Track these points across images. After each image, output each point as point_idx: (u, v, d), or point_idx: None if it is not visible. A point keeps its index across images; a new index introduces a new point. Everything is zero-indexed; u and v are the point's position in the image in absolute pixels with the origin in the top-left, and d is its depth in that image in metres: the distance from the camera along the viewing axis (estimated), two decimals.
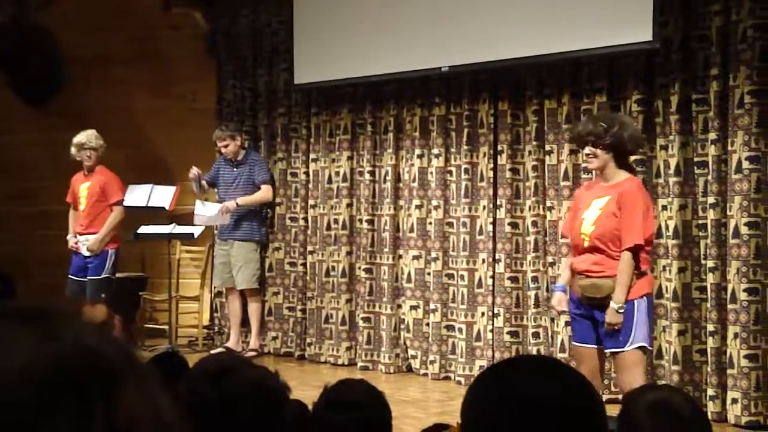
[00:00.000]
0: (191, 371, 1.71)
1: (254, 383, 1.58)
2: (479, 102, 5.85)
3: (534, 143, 5.59)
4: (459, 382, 5.80)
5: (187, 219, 7.21)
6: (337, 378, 2.21)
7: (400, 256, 6.28)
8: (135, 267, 7.43)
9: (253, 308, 6.85)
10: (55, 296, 6.54)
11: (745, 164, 4.64)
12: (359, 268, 6.45)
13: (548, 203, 5.53)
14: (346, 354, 6.47)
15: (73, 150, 6.48)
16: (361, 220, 6.46)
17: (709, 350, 4.79)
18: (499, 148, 5.75)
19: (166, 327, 7.02)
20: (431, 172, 6.10)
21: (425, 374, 6.07)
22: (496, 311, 5.71)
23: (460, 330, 5.90)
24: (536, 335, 5.58)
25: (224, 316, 7.16)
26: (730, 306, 4.69)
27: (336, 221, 6.56)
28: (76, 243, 6.50)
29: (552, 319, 5.50)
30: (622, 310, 3.70)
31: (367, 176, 6.42)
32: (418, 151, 6.17)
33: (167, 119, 7.50)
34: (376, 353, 6.33)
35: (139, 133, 7.55)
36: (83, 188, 6.52)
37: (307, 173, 6.79)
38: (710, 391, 4.78)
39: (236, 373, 1.59)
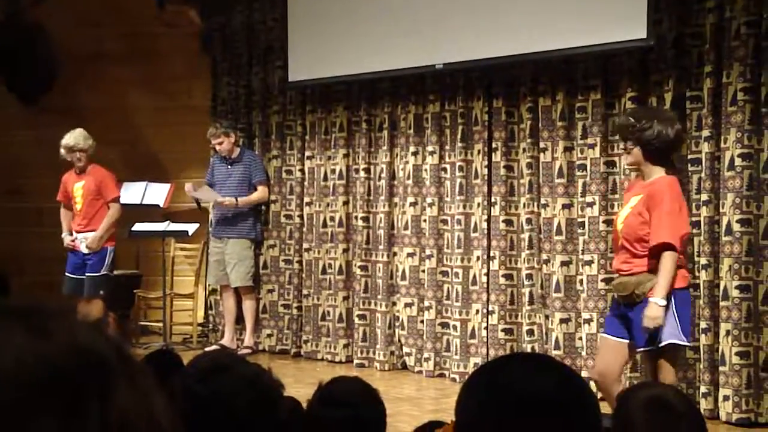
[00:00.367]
0: (185, 369, 1.71)
1: (248, 381, 1.58)
2: (473, 99, 5.86)
3: (528, 140, 5.59)
4: (453, 380, 5.81)
5: (182, 216, 7.20)
6: (332, 375, 2.21)
7: (395, 254, 6.29)
8: (129, 264, 7.42)
9: (248, 306, 6.85)
10: (49, 293, 6.53)
11: (738, 161, 4.65)
12: (355, 265, 6.45)
13: (542, 200, 5.53)
14: (344, 351, 6.48)
15: (62, 151, 6.46)
16: (356, 218, 6.46)
17: (701, 347, 4.80)
18: (494, 145, 5.75)
19: (160, 324, 7.01)
20: (426, 170, 6.10)
21: (420, 371, 6.08)
22: (490, 308, 5.72)
23: (455, 327, 5.91)
24: (530, 332, 5.59)
25: (219, 314, 7.16)
26: (722, 303, 4.70)
27: (332, 219, 6.56)
28: (73, 241, 6.47)
29: (546, 317, 5.51)
30: (662, 303, 3.60)
31: (362, 174, 6.42)
32: (412, 149, 6.17)
33: (161, 117, 7.49)
34: (372, 350, 6.33)
35: (134, 130, 7.53)
36: (77, 187, 6.49)
37: (302, 171, 6.79)
38: (703, 388, 4.79)
39: (230, 370, 1.59)
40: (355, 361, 6.39)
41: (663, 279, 3.61)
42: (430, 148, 6.06)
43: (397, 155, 6.30)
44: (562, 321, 5.39)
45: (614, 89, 5.28)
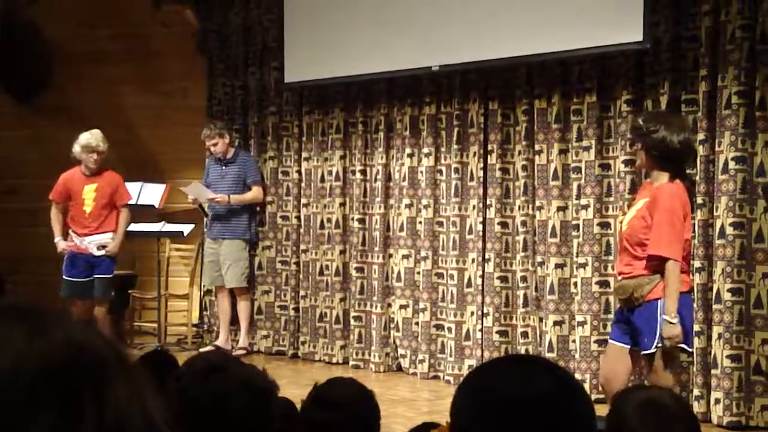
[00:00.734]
0: (180, 369, 1.71)
1: (243, 381, 1.58)
2: (469, 101, 5.86)
3: (524, 143, 5.60)
4: (448, 382, 5.81)
5: (177, 217, 7.20)
6: (328, 377, 2.21)
7: (391, 255, 6.29)
8: (124, 265, 7.40)
9: (243, 307, 6.85)
10: (43, 294, 6.51)
11: (732, 164, 4.67)
12: (351, 267, 6.45)
13: (537, 203, 5.54)
14: (341, 353, 6.48)
15: (77, 150, 6.31)
16: (352, 219, 6.46)
17: (695, 351, 4.81)
18: (489, 147, 5.76)
19: (155, 325, 7.00)
20: (421, 172, 6.10)
21: (414, 373, 6.08)
22: (485, 311, 5.72)
23: (450, 329, 5.91)
24: (525, 335, 5.59)
25: (213, 315, 7.16)
26: (715, 306, 4.71)
27: (329, 220, 6.56)
28: (72, 245, 6.35)
29: (540, 319, 5.52)
30: (675, 320, 3.57)
31: (358, 175, 6.42)
32: (408, 151, 6.17)
33: (157, 117, 7.48)
34: (367, 352, 6.34)
35: (129, 130, 7.52)
36: (89, 190, 6.37)
37: (299, 172, 6.79)
38: (696, 391, 4.80)
39: (225, 371, 1.59)
40: (351, 363, 6.39)
41: (669, 295, 3.57)
42: (425, 150, 6.07)
43: (393, 157, 6.31)
44: (555, 323, 5.39)
45: (610, 92, 5.29)
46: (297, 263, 6.77)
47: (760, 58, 4.64)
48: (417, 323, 6.10)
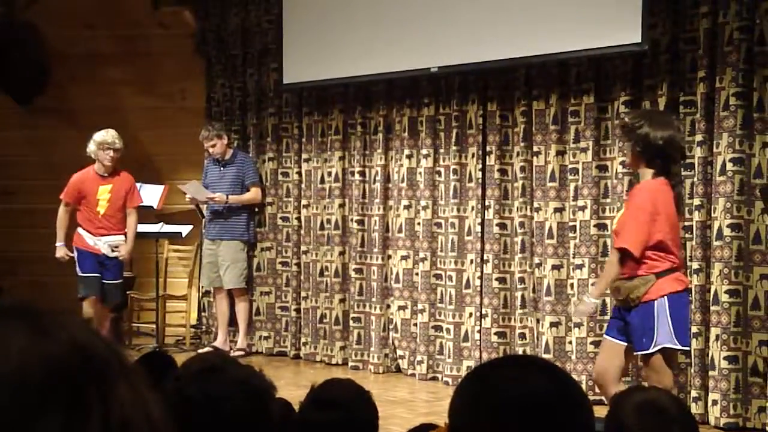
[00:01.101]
0: (178, 371, 1.71)
1: (240, 382, 1.58)
2: (468, 103, 5.87)
3: (522, 144, 5.61)
4: (446, 383, 5.81)
5: (176, 218, 7.20)
6: (326, 378, 2.21)
7: (390, 257, 6.29)
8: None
9: (241, 308, 6.85)
10: (41, 294, 6.51)
11: (729, 166, 4.67)
12: (350, 268, 6.45)
13: (535, 204, 5.54)
14: (340, 354, 6.48)
15: (92, 148, 6.25)
16: (352, 220, 6.46)
17: (692, 352, 4.81)
18: (488, 148, 5.76)
19: (153, 326, 7.00)
20: (420, 173, 6.10)
21: (413, 374, 6.08)
22: (483, 312, 5.73)
23: (448, 330, 5.91)
24: (522, 336, 5.60)
25: (212, 316, 7.16)
26: (712, 308, 4.71)
27: (329, 221, 6.56)
28: (94, 245, 6.26)
29: (538, 320, 5.52)
30: (589, 301, 3.78)
31: (357, 176, 6.43)
32: (407, 152, 6.17)
33: (156, 118, 7.48)
34: (366, 353, 6.34)
35: (127, 132, 7.51)
36: (104, 190, 6.30)
37: (299, 173, 6.79)
38: (694, 393, 4.81)
39: (222, 372, 1.59)
40: (350, 364, 6.39)
41: (600, 280, 3.75)
42: (424, 151, 6.07)
43: (391, 158, 6.31)
44: (552, 325, 5.40)
45: (607, 93, 5.29)
46: (298, 264, 6.77)
47: (758, 60, 4.64)
48: (415, 324, 6.11)
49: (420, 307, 6.06)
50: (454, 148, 5.90)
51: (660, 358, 3.70)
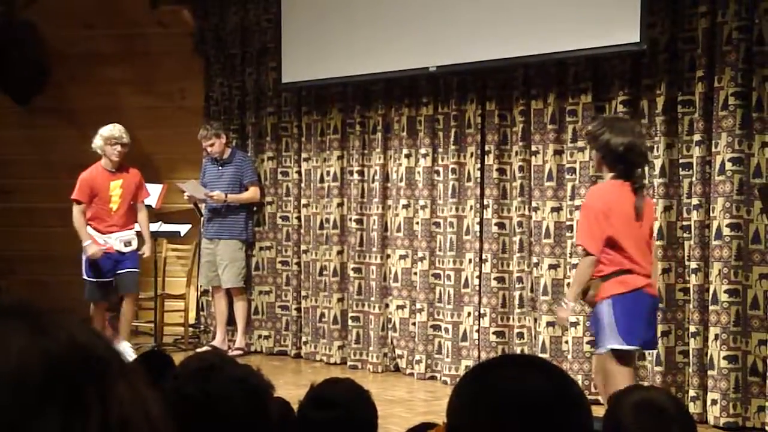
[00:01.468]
0: (176, 370, 1.71)
1: (238, 382, 1.58)
2: (466, 102, 5.87)
3: (520, 143, 5.61)
4: (445, 382, 5.82)
5: (174, 217, 7.19)
6: (325, 377, 2.22)
7: (388, 256, 6.29)
8: None
9: (239, 307, 6.85)
10: (40, 294, 6.50)
11: (728, 166, 4.67)
12: (349, 267, 6.45)
13: (534, 204, 5.55)
14: (338, 353, 6.48)
15: (99, 143, 6.19)
16: (350, 220, 6.46)
17: (691, 351, 4.82)
18: (486, 148, 5.76)
19: (151, 325, 6.99)
20: (418, 172, 6.11)
21: (411, 374, 6.08)
22: (482, 311, 5.73)
23: (446, 330, 5.91)
24: (521, 335, 5.60)
25: (210, 315, 7.15)
26: (711, 307, 4.72)
27: (328, 220, 6.57)
28: (105, 243, 6.17)
29: (535, 320, 5.52)
30: (565, 305, 3.83)
31: (356, 176, 6.43)
32: (405, 151, 6.18)
33: (154, 117, 7.48)
34: (365, 352, 6.34)
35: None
36: (115, 186, 6.24)
37: (299, 172, 6.79)
38: (692, 392, 4.81)
39: (220, 371, 1.59)
40: (349, 363, 6.39)
41: (573, 281, 3.79)
42: (423, 151, 6.07)
43: (390, 157, 6.31)
44: (549, 324, 5.40)
45: (605, 92, 5.29)
46: (298, 264, 6.77)
47: (757, 60, 4.65)
48: (414, 324, 6.11)
49: (418, 306, 6.06)
50: (452, 147, 5.90)
51: (610, 360, 3.74)
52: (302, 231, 6.76)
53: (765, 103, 4.63)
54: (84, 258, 6.22)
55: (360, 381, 2.22)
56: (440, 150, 6.02)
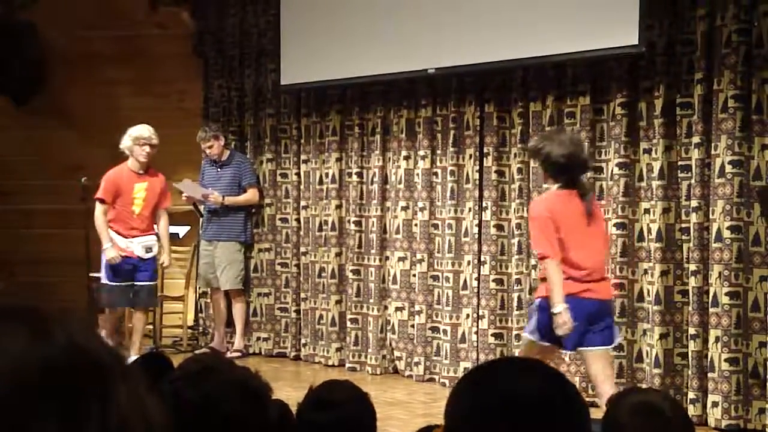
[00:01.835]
0: (174, 372, 1.71)
1: (236, 384, 1.58)
2: (465, 104, 5.87)
3: (519, 146, 5.61)
4: (443, 384, 5.82)
5: (173, 219, 7.18)
6: (324, 380, 2.22)
7: (387, 258, 6.29)
8: None
9: (238, 309, 6.85)
10: (38, 296, 6.49)
11: (728, 168, 4.68)
12: (348, 269, 6.45)
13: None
14: (336, 355, 6.48)
15: (128, 143, 6.06)
16: (349, 221, 6.46)
17: (690, 354, 4.82)
18: (485, 150, 5.77)
19: (150, 327, 6.99)
20: (417, 174, 6.11)
21: (410, 376, 6.08)
22: (480, 313, 5.73)
23: (445, 332, 5.91)
24: (519, 337, 5.59)
25: (209, 317, 7.15)
26: (711, 310, 4.72)
27: (327, 222, 6.57)
28: (127, 248, 6.05)
29: None
30: (556, 311, 3.92)
31: (354, 178, 6.43)
32: (404, 153, 6.18)
33: (153, 119, 7.45)
34: (364, 354, 6.34)
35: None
36: (140, 188, 6.10)
37: (298, 174, 6.79)
38: (691, 395, 4.81)
39: (218, 373, 1.59)
40: (347, 365, 6.39)
41: (551, 289, 3.91)
42: (421, 153, 6.07)
43: (389, 159, 6.31)
44: None
45: (603, 95, 5.30)
46: (297, 265, 6.77)
47: (757, 63, 4.65)
48: (413, 326, 6.11)
49: (417, 308, 6.06)
50: (451, 149, 5.91)
51: (528, 346, 4.07)
52: (301, 233, 6.76)
53: (764, 105, 4.64)
54: (104, 261, 6.07)
55: (359, 383, 2.23)
56: (439, 152, 6.02)
